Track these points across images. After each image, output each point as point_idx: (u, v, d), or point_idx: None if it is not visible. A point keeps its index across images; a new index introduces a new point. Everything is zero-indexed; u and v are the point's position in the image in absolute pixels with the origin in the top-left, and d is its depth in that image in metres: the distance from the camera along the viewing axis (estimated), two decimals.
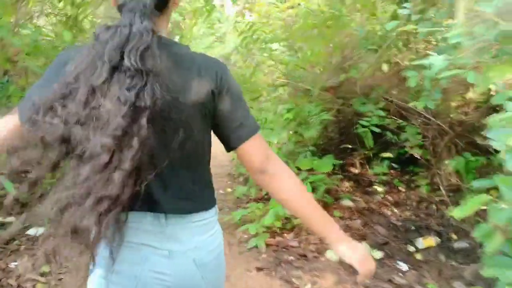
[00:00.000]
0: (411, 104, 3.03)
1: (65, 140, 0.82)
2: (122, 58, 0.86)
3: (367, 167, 4.61)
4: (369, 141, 3.51)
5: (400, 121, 3.66)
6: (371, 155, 4.49)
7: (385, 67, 3.95)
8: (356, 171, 4.73)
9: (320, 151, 4.22)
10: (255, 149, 1.06)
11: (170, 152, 0.94)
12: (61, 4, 4.22)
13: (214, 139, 1.08)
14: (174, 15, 11.53)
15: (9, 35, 2.36)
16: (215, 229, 1.12)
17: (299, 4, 5.04)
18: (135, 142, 0.82)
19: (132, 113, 0.83)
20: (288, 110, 3.55)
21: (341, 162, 4.03)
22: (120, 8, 0.95)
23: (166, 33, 1.05)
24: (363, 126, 3.50)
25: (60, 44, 2.99)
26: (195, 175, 1.06)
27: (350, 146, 4.54)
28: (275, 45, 4.40)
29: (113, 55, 0.85)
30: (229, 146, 1.07)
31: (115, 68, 0.86)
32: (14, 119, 0.96)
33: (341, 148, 4.51)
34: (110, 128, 0.81)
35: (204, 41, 10.45)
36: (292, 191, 1.08)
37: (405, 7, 2.59)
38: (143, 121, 0.83)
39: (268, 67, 3.71)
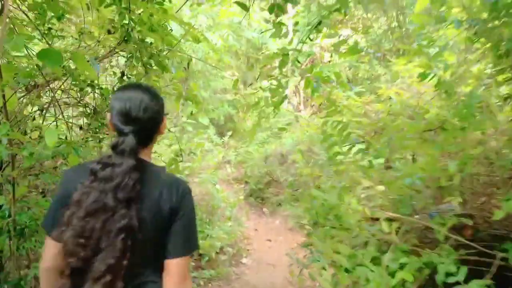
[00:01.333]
0: None
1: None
2: (117, 195, 1.18)
3: None
4: None
5: None
6: None
7: None
8: None
9: None
10: (180, 267, 1.26)
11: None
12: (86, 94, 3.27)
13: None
14: (228, 108, 10.84)
15: None
16: None
17: (390, 98, 3.85)
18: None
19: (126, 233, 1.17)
20: (402, 265, 2.13)
21: None
22: (113, 147, 1.24)
23: (149, 156, 1.38)
24: None
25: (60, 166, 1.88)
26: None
27: None
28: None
29: (112, 195, 1.18)
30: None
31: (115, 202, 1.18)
32: (51, 244, 1.27)
33: None
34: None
35: (258, 136, 9.50)
36: None
37: None
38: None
39: (363, 190, 2.38)
